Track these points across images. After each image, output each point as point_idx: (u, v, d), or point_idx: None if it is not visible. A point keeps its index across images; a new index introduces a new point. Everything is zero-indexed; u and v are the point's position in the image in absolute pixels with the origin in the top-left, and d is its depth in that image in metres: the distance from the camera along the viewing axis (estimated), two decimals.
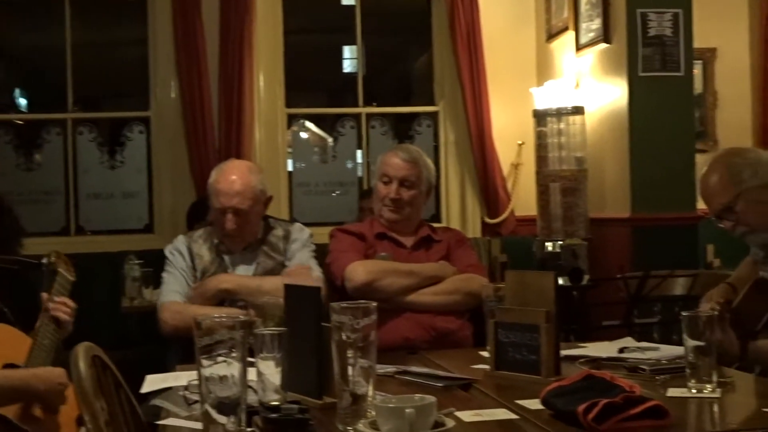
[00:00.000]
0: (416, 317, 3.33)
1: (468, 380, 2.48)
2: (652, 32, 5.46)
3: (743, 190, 3.05)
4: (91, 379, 2.02)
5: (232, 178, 3.43)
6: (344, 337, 1.92)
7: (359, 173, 7.17)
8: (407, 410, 1.76)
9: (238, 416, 1.78)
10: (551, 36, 6.58)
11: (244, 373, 1.78)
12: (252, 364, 1.98)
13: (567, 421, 1.93)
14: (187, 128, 6.30)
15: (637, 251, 5.47)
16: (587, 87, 6.05)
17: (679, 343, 2.57)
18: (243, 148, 6.23)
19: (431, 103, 6.96)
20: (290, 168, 6.99)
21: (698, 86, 6.59)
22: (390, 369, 2.61)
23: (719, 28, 6.69)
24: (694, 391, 2.22)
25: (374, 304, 1.97)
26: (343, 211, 6.78)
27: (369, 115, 6.98)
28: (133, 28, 6.79)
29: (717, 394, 2.20)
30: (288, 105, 6.77)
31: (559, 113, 5.96)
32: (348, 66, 10.13)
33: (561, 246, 5.68)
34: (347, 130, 7.01)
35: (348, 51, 10.26)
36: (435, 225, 3.76)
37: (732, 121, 6.77)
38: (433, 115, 6.95)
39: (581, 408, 1.90)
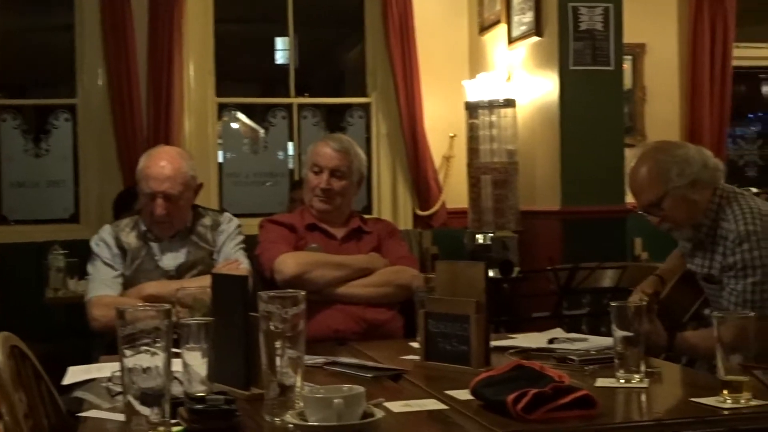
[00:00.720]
0: (346, 309, 3.30)
1: (397, 371, 2.46)
2: (583, 26, 5.50)
3: (670, 188, 3.08)
4: (9, 370, 1.96)
5: (162, 163, 3.37)
6: (272, 327, 1.89)
7: (290, 164, 7.12)
8: (335, 400, 1.74)
9: (162, 407, 1.74)
10: (484, 29, 6.59)
11: (168, 364, 1.74)
12: (177, 355, 1.94)
13: (496, 411, 1.92)
14: (115, 117, 6.20)
15: (567, 244, 5.51)
16: (519, 80, 6.08)
17: (608, 334, 2.58)
18: (172, 137, 6.14)
19: (363, 94, 6.94)
20: (220, 159, 6.92)
21: (627, 81, 6.65)
22: (319, 360, 2.59)
23: (648, 23, 6.76)
24: (622, 381, 2.23)
25: (303, 293, 1.94)
26: (273, 202, 6.72)
27: (301, 106, 6.93)
28: (60, 14, 6.65)
29: (645, 384, 2.21)
30: (219, 95, 6.69)
31: (491, 106, 5.98)
32: (280, 57, 10.05)
33: (492, 238, 5.70)
34: (278, 121, 6.95)
35: (280, 42, 10.18)
36: (366, 216, 3.73)
37: (660, 116, 6.86)
38: (366, 107, 6.93)
39: (511, 398, 1.89)
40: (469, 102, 6.09)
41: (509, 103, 5.99)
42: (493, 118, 5.97)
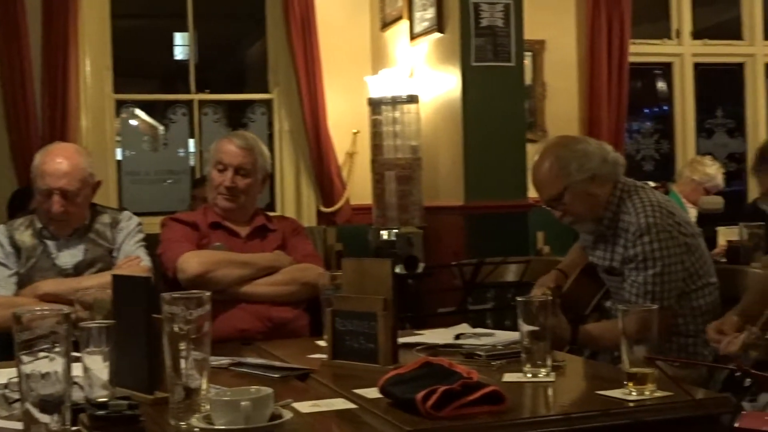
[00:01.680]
0: (251, 308, 3.26)
1: (305, 370, 2.44)
2: (484, 23, 5.53)
3: (571, 182, 3.13)
4: None
5: (58, 159, 3.28)
6: (176, 329, 1.85)
7: (191, 162, 7.01)
8: (243, 403, 1.71)
9: (62, 415, 1.68)
10: (386, 25, 6.59)
11: (68, 369, 1.69)
12: (77, 359, 1.88)
13: (406, 409, 1.91)
14: (8, 113, 6.01)
15: (471, 239, 5.54)
16: (422, 76, 6.09)
17: (512, 328, 2.60)
18: (68, 134, 5.98)
19: (265, 90, 6.87)
20: (119, 156, 6.77)
21: (528, 78, 6.72)
22: (224, 361, 2.55)
23: (548, 20, 6.84)
24: (529, 375, 2.24)
25: (208, 294, 1.90)
26: (174, 200, 6.62)
27: (201, 102, 6.83)
28: None
29: (551, 378, 2.23)
30: (116, 91, 6.55)
31: (394, 102, 5.98)
32: (180, 53, 9.90)
33: (396, 234, 5.70)
34: (179, 118, 6.84)
35: (180, 37, 10.03)
36: (270, 214, 3.69)
37: (560, 112, 6.95)
38: (268, 103, 6.87)
39: (420, 396, 1.88)
40: (372, 98, 6.08)
41: (412, 99, 6.00)
42: (396, 114, 5.97)
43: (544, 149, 3.26)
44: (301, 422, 1.88)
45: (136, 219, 3.49)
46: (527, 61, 6.55)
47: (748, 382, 2.53)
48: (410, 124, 5.98)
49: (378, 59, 6.69)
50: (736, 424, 1.81)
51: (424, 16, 5.97)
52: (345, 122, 6.59)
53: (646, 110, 8.17)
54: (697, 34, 7.54)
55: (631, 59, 7.06)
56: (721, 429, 1.95)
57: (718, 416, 1.90)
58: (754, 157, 2.67)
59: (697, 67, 7.59)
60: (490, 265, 4.04)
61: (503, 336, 2.80)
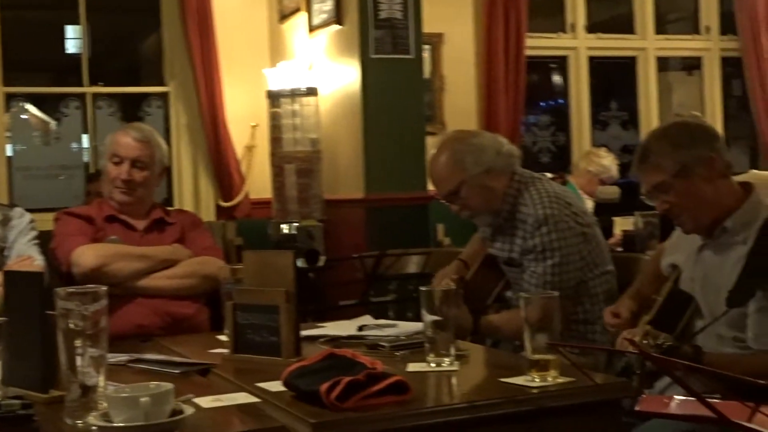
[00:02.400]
0: (150, 303, 3.19)
1: (206, 365, 2.40)
2: (383, 15, 5.53)
3: (467, 177, 3.14)
4: None
5: None
6: (71, 325, 1.79)
7: (85, 157, 6.85)
8: (142, 399, 1.66)
9: None
10: (284, 17, 6.54)
11: None
12: None
13: (310, 402, 1.89)
14: None
15: (372, 231, 5.54)
16: (321, 68, 6.06)
17: (414, 319, 2.60)
18: None
19: (161, 83, 6.75)
20: (9, 152, 6.58)
21: (426, 71, 6.74)
22: (123, 358, 2.49)
23: (446, 13, 6.88)
24: (433, 365, 2.24)
25: (104, 288, 1.84)
26: (68, 195, 6.47)
27: (95, 96, 6.69)
28: None
29: (455, 367, 2.23)
30: (5, 84, 6.36)
31: (293, 94, 5.95)
32: (72, 45, 9.67)
33: (297, 228, 5.65)
34: (72, 112, 6.68)
35: (71, 30, 9.79)
36: (168, 208, 3.62)
37: (458, 105, 7.00)
38: (164, 96, 6.75)
39: (324, 387, 1.86)
40: (271, 91, 6.03)
41: (311, 92, 5.97)
42: (296, 106, 5.93)
43: (440, 144, 3.27)
44: (203, 417, 1.84)
45: (28, 216, 3.38)
46: (426, 54, 6.58)
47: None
48: (310, 117, 5.94)
49: (276, 52, 6.63)
50: (636, 408, 1.84)
51: (323, 8, 5.94)
52: (243, 115, 6.52)
53: (543, 103, 8.29)
54: (591, 28, 7.69)
55: (528, 53, 7.15)
56: (621, 413, 1.98)
57: (619, 400, 1.93)
58: (636, 154, 2.71)
59: (592, 60, 7.73)
60: (392, 256, 4.05)
61: (406, 327, 2.80)
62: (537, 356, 2.04)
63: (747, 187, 2.70)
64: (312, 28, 6.12)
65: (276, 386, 2.06)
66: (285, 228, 5.82)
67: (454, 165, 3.15)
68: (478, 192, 3.16)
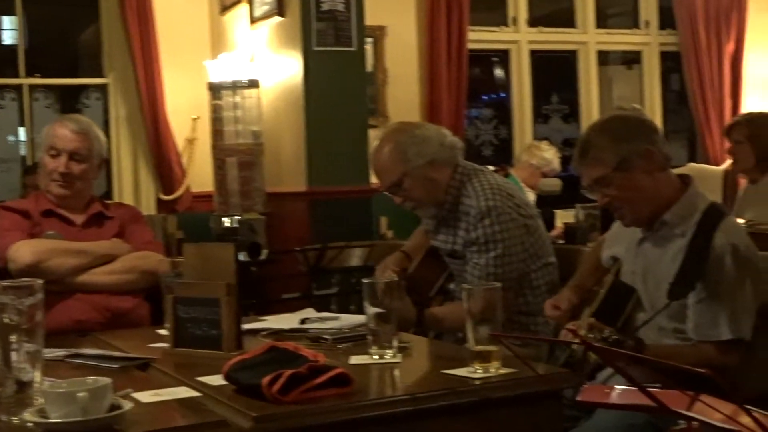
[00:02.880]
0: (88, 298, 3.13)
1: (145, 360, 2.36)
2: (325, 7, 5.51)
3: (409, 168, 3.14)
4: None
5: None
6: (7, 320, 1.76)
7: (22, 150, 6.74)
8: (79, 394, 1.63)
9: None
10: (225, 8, 6.49)
11: None
12: None
13: (252, 395, 1.87)
14: None
15: (315, 224, 5.53)
16: (263, 60, 6.02)
17: (357, 312, 2.59)
18: None
19: (100, 75, 6.66)
20: None
21: (369, 64, 6.73)
22: (60, 353, 2.44)
23: (388, 6, 6.87)
24: (376, 357, 2.23)
25: (39, 281, 1.81)
26: (4, 189, 6.35)
27: (32, 88, 6.58)
28: None
29: (398, 359, 2.22)
30: None
31: (235, 86, 5.90)
32: (7, 37, 9.50)
33: (239, 221, 5.63)
34: (8, 104, 6.57)
35: (7, 21, 9.62)
36: (108, 202, 3.56)
37: (401, 98, 7.00)
38: (103, 88, 6.66)
39: (266, 380, 1.85)
40: (212, 83, 5.98)
41: (253, 84, 5.93)
42: (237, 99, 5.89)
43: (383, 136, 3.26)
44: (143, 412, 1.81)
45: None
46: (368, 47, 6.57)
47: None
48: (251, 110, 5.90)
49: (217, 43, 6.58)
50: (578, 398, 1.85)
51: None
52: (184, 108, 6.46)
53: (485, 97, 8.33)
54: (532, 22, 7.73)
55: (470, 46, 7.17)
56: (563, 403, 1.99)
57: (561, 391, 1.94)
58: (576, 149, 2.73)
59: (533, 54, 7.78)
60: (334, 249, 4.03)
61: (349, 319, 2.79)
62: (479, 347, 2.04)
63: (686, 180, 2.73)
64: (253, 20, 6.07)
65: (217, 380, 2.03)
66: (227, 221, 5.79)
67: (396, 156, 3.14)
68: (421, 183, 3.16)
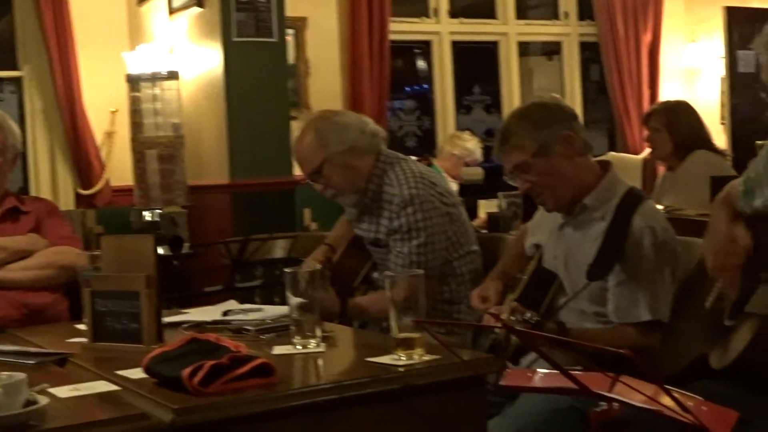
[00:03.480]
0: (4, 294, 3.07)
1: (63, 355, 2.30)
2: None
3: (329, 154, 3.13)
4: None
5: None
6: None
7: None
8: None
9: None
10: None
11: None
12: None
13: (173, 388, 1.84)
14: None
15: (238, 217, 5.50)
16: (182, 52, 5.95)
17: (281, 304, 2.57)
18: None
19: (14, 68, 6.50)
20: None
21: (291, 55, 6.69)
22: None
23: None
24: (299, 347, 2.21)
25: None
26: None
27: None
28: None
29: (321, 349, 2.21)
30: None
31: (154, 78, 5.81)
32: None
33: (160, 215, 5.56)
34: None
35: None
36: (23, 197, 3.48)
37: (324, 90, 6.96)
38: (17, 81, 6.50)
39: (186, 372, 1.81)
40: (131, 75, 5.88)
41: (173, 76, 5.84)
42: (157, 91, 5.80)
43: (305, 123, 3.27)
44: (61, 407, 1.77)
45: None
46: (290, 38, 6.52)
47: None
48: (171, 102, 5.82)
49: (135, 34, 6.46)
50: (501, 382, 1.86)
51: None
52: (102, 100, 6.33)
53: (408, 88, 8.34)
54: (453, 13, 7.76)
55: (392, 37, 7.16)
56: (487, 389, 1.99)
57: (485, 376, 1.94)
58: (497, 136, 2.75)
59: (455, 45, 7.80)
60: (257, 241, 4.00)
61: (272, 310, 2.76)
62: (403, 335, 2.03)
63: (605, 165, 2.77)
64: (172, 11, 5.99)
65: (137, 373, 1.99)
66: (147, 215, 5.71)
67: (317, 143, 3.14)
68: (342, 171, 3.15)
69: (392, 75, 7.21)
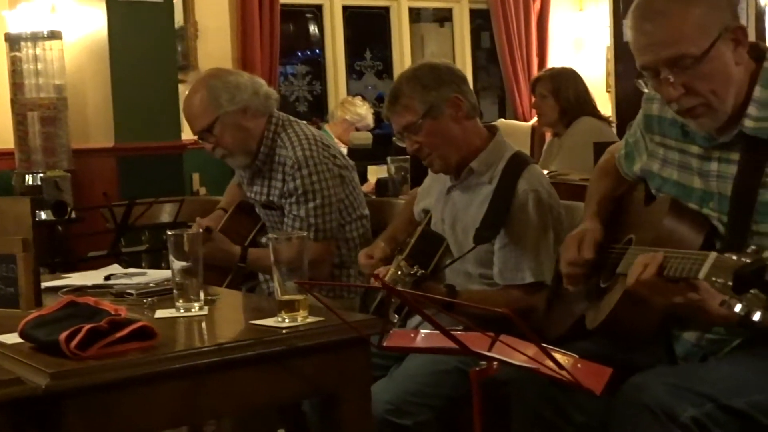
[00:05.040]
0: None
1: None
2: None
3: (221, 114, 3.09)
4: None
5: None
6: None
7: None
8: None
9: None
10: None
11: None
12: None
13: (50, 352, 1.79)
14: None
15: (124, 181, 5.42)
16: (65, 11, 5.78)
17: (167, 269, 2.52)
18: None
19: None
20: None
21: (179, 18, 6.55)
22: None
23: None
24: (182, 310, 2.18)
25: None
26: None
27: None
28: None
29: (205, 312, 2.18)
30: None
31: (35, 38, 5.63)
32: None
33: (42, 179, 5.41)
34: None
35: None
36: None
37: (213, 53, 6.84)
38: None
39: (63, 336, 1.77)
40: (10, 34, 5.68)
41: (55, 36, 5.67)
42: (38, 51, 5.62)
43: (197, 81, 3.23)
44: None
45: None
46: (177, 0, 6.39)
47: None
48: (53, 62, 5.66)
49: None
50: (385, 343, 1.87)
51: None
52: None
53: (299, 53, 8.27)
54: None
55: (283, 1, 7.08)
56: (372, 351, 2.00)
57: (368, 337, 1.94)
58: (387, 97, 2.76)
59: (346, 10, 7.77)
60: (142, 206, 3.92)
61: (156, 274, 2.72)
62: (286, 297, 2.02)
63: (492, 130, 2.80)
64: None
65: (13, 338, 1.94)
66: (29, 179, 5.56)
67: (208, 101, 3.10)
68: (233, 131, 3.12)
69: (283, 39, 7.15)
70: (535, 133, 6.93)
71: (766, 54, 2.01)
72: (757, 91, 1.96)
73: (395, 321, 2.55)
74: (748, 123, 1.95)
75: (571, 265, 2.18)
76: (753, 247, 1.64)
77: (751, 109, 1.95)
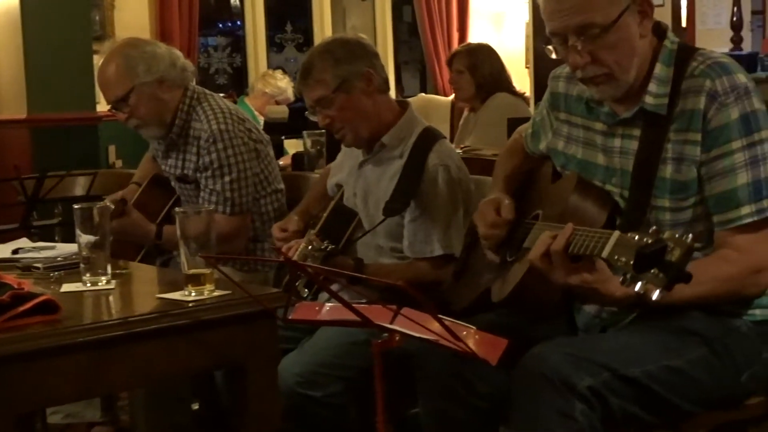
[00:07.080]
0: None
1: None
2: None
3: (137, 83, 3.07)
4: None
5: None
6: None
7: None
8: None
9: None
10: None
11: None
12: None
13: None
14: None
15: (37, 153, 5.33)
16: None
17: None
18: None
19: None
20: None
21: None
22: None
23: None
24: (89, 284, 2.17)
25: None
26: None
27: None
28: None
29: (112, 286, 2.17)
30: None
31: None
32: None
33: None
34: None
35: None
36: None
37: (130, 24, 6.71)
38: None
39: None
40: None
41: None
42: None
43: (112, 50, 3.19)
44: None
45: None
46: None
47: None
48: None
49: None
50: (290, 316, 1.89)
51: None
52: None
53: (220, 24, 8.20)
54: None
55: None
56: (280, 324, 2.01)
57: (275, 311, 1.96)
58: (299, 71, 2.77)
59: None
60: (54, 178, 3.86)
61: (65, 248, 2.69)
62: (192, 271, 2.02)
63: (403, 105, 2.83)
64: None
65: None
66: None
67: (124, 70, 3.07)
68: (148, 102, 3.11)
69: (203, 10, 7.06)
70: (455, 108, 6.96)
71: (667, 33, 2.06)
72: (658, 68, 2.01)
73: (305, 295, 2.57)
74: (648, 99, 2.00)
75: (492, 227, 2.20)
76: (654, 227, 1.70)
77: (652, 86, 2.01)
